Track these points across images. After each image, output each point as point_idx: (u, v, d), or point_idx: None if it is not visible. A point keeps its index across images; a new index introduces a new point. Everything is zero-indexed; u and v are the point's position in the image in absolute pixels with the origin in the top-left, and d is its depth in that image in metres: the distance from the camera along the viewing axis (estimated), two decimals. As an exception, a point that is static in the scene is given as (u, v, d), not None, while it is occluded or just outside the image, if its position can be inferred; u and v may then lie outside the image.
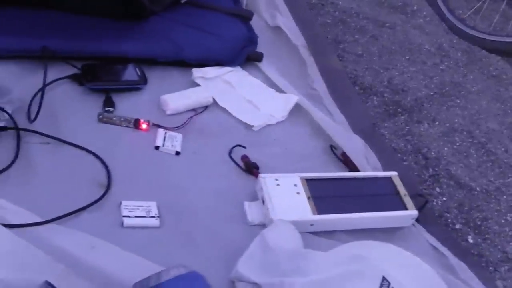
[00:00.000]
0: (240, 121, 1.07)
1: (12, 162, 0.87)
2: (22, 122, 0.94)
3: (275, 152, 1.03)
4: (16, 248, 0.72)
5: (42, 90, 0.98)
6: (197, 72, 1.11)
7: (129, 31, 1.11)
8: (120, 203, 0.85)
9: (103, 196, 0.86)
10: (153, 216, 0.85)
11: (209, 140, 1.02)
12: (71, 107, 0.99)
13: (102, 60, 1.06)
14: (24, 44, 1.02)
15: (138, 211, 0.84)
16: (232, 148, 1.01)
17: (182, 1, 1.22)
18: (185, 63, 1.12)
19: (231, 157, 1.00)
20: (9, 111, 0.94)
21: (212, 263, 0.82)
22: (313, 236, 0.90)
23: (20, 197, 0.82)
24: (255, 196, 0.93)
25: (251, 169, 0.97)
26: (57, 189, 0.86)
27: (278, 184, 0.92)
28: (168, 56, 1.12)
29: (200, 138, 1.02)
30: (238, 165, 0.99)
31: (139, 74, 1.07)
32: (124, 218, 0.83)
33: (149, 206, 0.86)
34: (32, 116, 0.94)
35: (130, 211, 0.84)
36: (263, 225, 0.88)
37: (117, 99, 1.04)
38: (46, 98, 0.98)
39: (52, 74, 1.02)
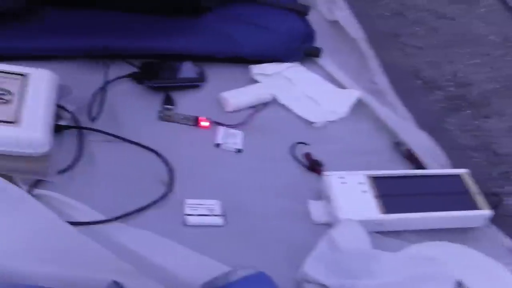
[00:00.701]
0: (301, 118, 1.05)
1: (76, 160, 0.87)
2: (83, 121, 0.93)
3: (338, 149, 1.00)
4: (82, 246, 0.72)
5: (103, 88, 0.98)
6: (256, 69, 1.09)
7: (186, 29, 1.09)
8: (183, 201, 0.84)
9: (166, 194, 0.84)
10: (217, 215, 0.83)
11: (270, 137, 1.00)
12: (131, 106, 0.99)
13: (159, 58, 1.05)
14: (84, 44, 1.01)
15: (201, 209, 0.83)
16: (295, 145, 0.99)
17: (237, -3, 1.21)
18: (243, 60, 1.11)
19: (293, 155, 0.97)
20: (72, 109, 0.94)
21: (277, 263, 0.79)
22: (381, 236, 0.86)
23: (84, 195, 0.81)
24: (318, 195, 0.90)
25: (314, 166, 0.95)
26: (120, 187, 0.85)
27: (343, 182, 0.89)
28: (226, 52, 1.10)
29: (261, 135, 1.00)
30: (301, 162, 0.96)
31: (198, 71, 1.06)
32: (187, 216, 0.82)
33: (212, 205, 0.84)
34: (93, 115, 0.94)
35: (193, 210, 0.83)
36: (328, 225, 0.86)
37: (176, 96, 1.02)
38: (108, 97, 0.98)
39: (111, 73, 1.02)
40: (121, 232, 0.77)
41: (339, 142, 1.02)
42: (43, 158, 0.80)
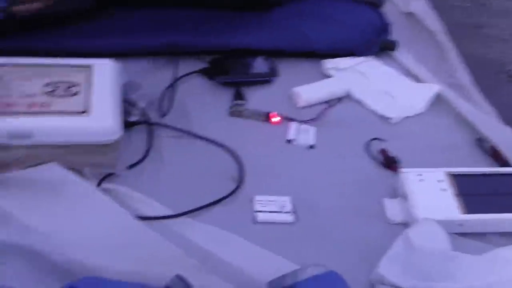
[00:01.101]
0: (376, 113, 1.00)
1: (145, 156, 0.86)
2: (153, 117, 0.93)
3: (415, 145, 0.95)
4: (148, 240, 0.70)
5: (173, 84, 0.97)
6: (329, 63, 1.05)
7: (256, 24, 1.07)
8: (253, 197, 0.81)
9: (235, 190, 0.82)
10: (288, 212, 0.80)
11: (344, 133, 0.96)
12: (201, 101, 0.97)
13: (229, 53, 1.03)
14: (153, 41, 1.01)
15: (271, 206, 0.80)
16: (370, 141, 0.94)
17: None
18: (315, 54, 1.07)
19: (368, 151, 0.93)
20: (143, 105, 0.93)
21: (350, 262, 0.75)
22: (461, 237, 0.80)
23: (152, 190, 0.80)
24: (394, 193, 0.86)
25: (390, 163, 0.90)
26: (189, 182, 0.83)
27: (421, 180, 0.84)
28: (297, 47, 1.07)
29: (335, 131, 0.96)
30: (376, 159, 0.91)
31: (269, 66, 1.03)
32: (257, 213, 0.79)
33: (283, 201, 0.81)
34: (163, 111, 0.93)
35: (263, 206, 0.80)
36: (404, 224, 0.81)
37: (247, 92, 1.00)
38: (178, 93, 0.98)
39: (181, 69, 1.01)
40: (189, 228, 0.76)
41: (417, 138, 0.97)
42: (113, 148, 0.79)
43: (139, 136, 0.89)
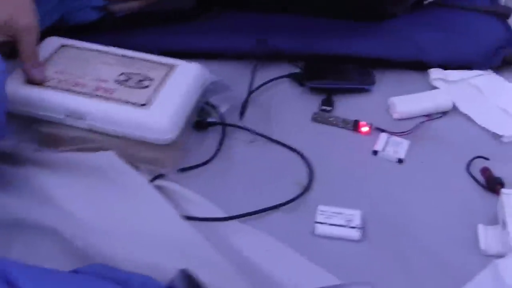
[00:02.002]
0: (486, 131, 0.83)
1: (212, 157, 0.77)
2: (233, 119, 0.84)
3: (531, 169, 0.77)
4: (188, 239, 0.62)
5: (259, 88, 0.89)
6: (435, 73, 0.90)
7: (361, 30, 0.95)
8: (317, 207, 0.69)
9: (298, 197, 0.71)
10: (354, 227, 0.66)
11: (444, 149, 0.81)
12: (286, 106, 0.87)
13: (324, 59, 0.92)
14: (249, 43, 0.93)
15: (336, 218, 0.67)
16: (472, 160, 0.78)
17: (426, 2, 1.03)
18: (425, 66, 0.93)
19: (468, 171, 0.76)
20: (225, 108, 0.85)
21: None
22: None
23: (212, 192, 0.72)
24: (494, 219, 0.69)
25: (493, 185, 0.73)
26: (253, 187, 0.74)
27: (527, 204, 0.66)
28: (404, 56, 0.93)
29: (432, 146, 0.81)
30: (476, 180, 0.75)
31: (366, 74, 0.91)
32: (316, 224, 0.67)
33: (351, 215, 0.68)
34: (245, 113, 0.85)
35: (326, 218, 0.67)
36: (500, 256, 0.63)
37: (340, 100, 0.89)
38: (264, 97, 0.89)
39: (274, 74, 0.92)
40: (236, 232, 0.66)
41: (534, 162, 0.78)
42: (168, 148, 0.72)
43: (215, 138, 0.81)
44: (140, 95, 0.73)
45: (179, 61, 0.80)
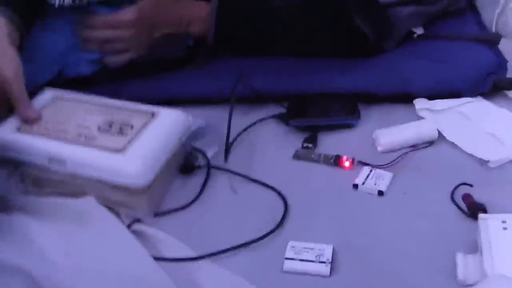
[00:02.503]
0: (472, 158, 0.79)
1: (194, 200, 0.77)
2: (218, 162, 0.83)
3: (519, 194, 0.72)
4: (152, 279, 0.61)
5: (245, 130, 0.88)
6: (421, 103, 0.88)
7: (345, 66, 0.94)
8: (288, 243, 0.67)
9: (269, 233, 0.69)
10: (324, 262, 0.63)
11: (428, 179, 0.77)
12: (270, 146, 0.86)
13: (315, 97, 0.91)
14: (238, 88, 0.93)
15: (306, 254, 0.65)
16: (456, 187, 0.74)
17: (415, 36, 1.01)
18: (412, 97, 0.90)
19: (452, 199, 0.73)
20: (213, 152, 0.85)
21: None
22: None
23: (190, 233, 0.71)
24: (476, 247, 0.64)
25: (475, 211, 0.69)
26: (229, 227, 0.72)
27: (505, 228, 0.62)
28: (390, 89, 0.91)
29: (416, 177, 0.78)
30: (460, 207, 0.71)
31: (351, 109, 0.89)
32: (285, 260, 0.64)
33: (322, 250, 0.65)
34: (228, 156, 0.84)
35: (296, 253, 0.65)
36: (478, 286, 0.59)
37: (325, 136, 0.87)
38: (249, 138, 0.88)
39: (262, 115, 0.91)
40: (205, 271, 0.64)
41: (523, 186, 0.74)
42: (142, 193, 0.72)
43: (200, 181, 0.80)
44: (118, 142, 0.74)
45: (161, 109, 0.81)
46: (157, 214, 0.74)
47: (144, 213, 0.72)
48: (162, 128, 0.78)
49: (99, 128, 0.76)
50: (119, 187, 0.71)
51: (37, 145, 0.74)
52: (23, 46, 0.84)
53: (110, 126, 0.77)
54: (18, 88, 0.76)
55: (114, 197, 0.72)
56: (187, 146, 0.83)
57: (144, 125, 0.77)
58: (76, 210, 0.71)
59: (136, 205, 0.72)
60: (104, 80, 0.96)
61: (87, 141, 0.74)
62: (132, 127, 0.76)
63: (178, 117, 0.80)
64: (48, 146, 0.74)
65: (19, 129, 0.76)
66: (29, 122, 0.77)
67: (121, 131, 0.76)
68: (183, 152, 0.82)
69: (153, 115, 0.79)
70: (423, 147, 0.82)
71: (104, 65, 0.97)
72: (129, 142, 0.74)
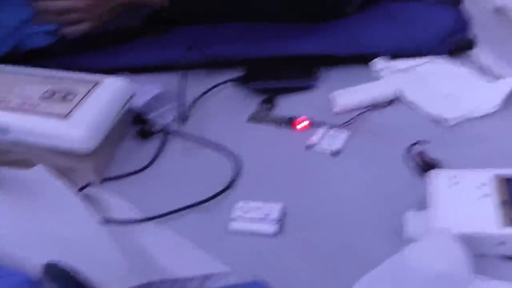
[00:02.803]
0: (430, 118, 0.77)
1: (148, 165, 0.75)
2: (177, 128, 0.81)
3: (473, 152, 0.71)
4: (92, 241, 0.59)
5: (203, 94, 0.86)
6: (378, 64, 0.85)
7: (303, 30, 0.91)
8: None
9: (217, 195, 0.67)
10: (272, 221, 0.62)
11: (384, 139, 0.75)
12: (227, 110, 0.84)
13: (273, 61, 0.89)
14: (195, 54, 0.90)
15: (253, 213, 0.63)
16: (411, 146, 0.72)
17: (376, -2, 0.99)
18: (372, 59, 0.87)
19: (407, 157, 0.71)
20: (170, 118, 0.83)
21: (334, 284, 0.55)
22: (506, 262, 0.55)
23: (142, 197, 0.69)
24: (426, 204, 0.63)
25: (428, 168, 0.67)
26: (181, 190, 0.70)
27: (455, 183, 0.61)
28: (350, 51, 0.88)
29: (372, 137, 0.76)
30: (413, 166, 0.69)
31: (308, 72, 0.86)
32: (231, 221, 0.62)
33: (270, 208, 0.63)
34: (186, 120, 0.82)
35: (244, 213, 0.63)
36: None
37: (283, 99, 0.85)
38: (207, 103, 0.86)
39: (220, 80, 0.89)
40: (148, 233, 0.62)
41: (478, 144, 0.72)
42: (88, 158, 0.70)
43: (155, 145, 0.78)
44: (62, 109, 0.72)
45: (105, 77, 0.79)
46: (111, 178, 0.72)
47: (90, 178, 0.70)
48: (105, 95, 0.76)
49: (42, 97, 0.74)
50: (65, 153, 0.70)
51: None
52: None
53: (53, 94, 0.75)
54: None
55: (60, 163, 0.70)
56: (138, 112, 0.81)
57: (88, 93, 0.75)
58: (24, 178, 0.68)
59: (82, 170, 0.70)
60: (60, 52, 0.94)
61: (30, 108, 0.72)
62: (75, 95, 0.75)
63: (121, 85, 0.79)
64: None
65: None
66: None
67: (64, 99, 0.74)
68: (129, 119, 0.80)
69: (96, 83, 0.77)
70: (380, 107, 0.80)
71: (61, 37, 0.95)
72: (73, 108, 0.72)
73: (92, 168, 0.70)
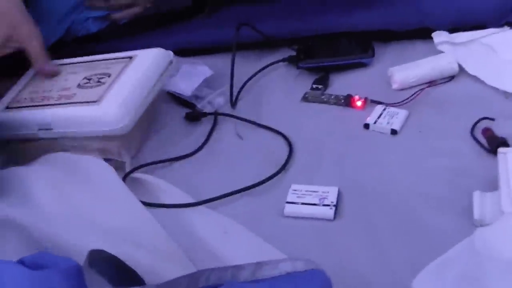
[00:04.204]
0: (495, 91, 0.71)
1: (199, 148, 0.71)
2: (227, 108, 0.78)
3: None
4: (142, 225, 0.56)
5: (254, 75, 0.81)
6: (440, 37, 0.79)
7: (357, 4, 0.85)
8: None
9: (270, 178, 0.63)
10: (328, 205, 0.57)
11: (446, 115, 0.70)
12: (279, 90, 0.80)
13: (327, 38, 0.83)
14: (242, 34, 0.86)
15: (309, 197, 0.59)
16: (476, 122, 0.66)
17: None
18: (432, 32, 0.81)
19: (472, 134, 0.65)
20: (220, 100, 0.79)
21: (397, 268, 0.50)
22: None
23: (195, 181, 0.66)
24: (496, 185, 0.57)
25: (495, 146, 0.61)
26: (234, 173, 0.67)
27: (527, 162, 0.54)
28: (408, 25, 0.82)
29: (434, 113, 0.70)
30: (479, 143, 0.63)
31: (364, 48, 0.81)
32: (286, 204, 0.58)
33: (326, 193, 0.59)
34: (237, 102, 0.78)
35: (298, 197, 0.59)
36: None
37: (337, 77, 0.80)
38: (259, 84, 0.82)
39: (272, 60, 0.84)
40: (199, 216, 0.59)
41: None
42: (122, 137, 0.67)
43: (206, 128, 0.75)
44: (94, 93, 0.69)
45: (139, 51, 0.75)
46: (161, 161, 0.70)
47: (122, 158, 0.68)
48: (139, 68, 0.72)
49: (78, 85, 0.72)
50: (103, 137, 0.67)
51: (26, 117, 0.70)
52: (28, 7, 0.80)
53: (89, 80, 0.72)
54: (36, 45, 0.75)
55: (100, 147, 0.68)
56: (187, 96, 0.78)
57: (121, 71, 0.72)
58: (71, 162, 0.67)
59: (115, 150, 0.68)
60: (111, 37, 0.92)
61: (67, 100, 0.70)
62: (109, 75, 0.72)
63: (155, 54, 0.74)
64: (35, 116, 0.70)
65: (7, 107, 0.73)
66: (48, 75, 0.75)
67: (99, 82, 0.71)
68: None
69: (130, 59, 0.74)
70: (442, 83, 0.74)
71: (111, 21, 0.93)
72: (106, 90, 0.69)
73: (135, 142, 0.68)
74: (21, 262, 0.44)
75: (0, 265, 0.40)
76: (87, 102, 0.68)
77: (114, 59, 0.74)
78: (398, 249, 0.53)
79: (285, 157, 0.67)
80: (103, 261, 0.43)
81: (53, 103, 0.70)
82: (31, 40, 0.75)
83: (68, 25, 0.90)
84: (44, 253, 0.47)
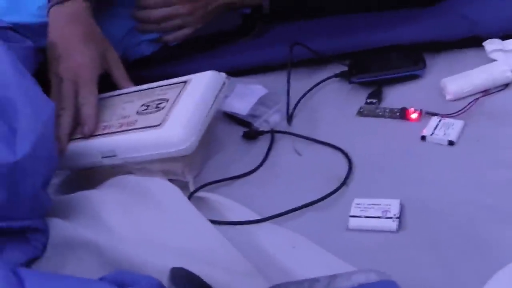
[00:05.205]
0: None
1: (259, 166, 0.75)
2: (283, 126, 0.81)
3: None
4: (214, 244, 0.60)
5: (307, 92, 0.85)
6: (492, 45, 0.80)
7: (405, 17, 0.88)
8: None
9: (333, 192, 0.66)
10: (390, 217, 0.60)
11: (503, 125, 0.71)
12: (333, 106, 0.83)
13: (370, 52, 0.86)
14: (294, 52, 0.89)
15: (372, 210, 0.61)
16: (535, 131, 0.67)
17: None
18: (482, 40, 0.83)
19: (531, 143, 0.66)
20: (276, 117, 0.83)
21: (464, 280, 0.52)
22: None
23: (255, 198, 0.69)
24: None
25: (557, 155, 0.62)
26: (294, 189, 0.70)
27: None
28: (457, 34, 0.84)
29: (490, 123, 0.72)
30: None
31: (415, 59, 0.83)
32: (350, 218, 0.61)
33: (388, 205, 0.61)
34: (292, 119, 0.81)
35: (361, 211, 0.62)
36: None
37: (390, 90, 0.82)
38: (312, 100, 0.85)
39: (323, 76, 0.88)
40: (266, 232, 0.62)
41: None
42: (186, 158, 0.71)
43: (263, 146, 0.79)
44: (156, 118, 0.73)
45: (192, 76, 0.79)
46: (222, 180, 0.73)
47: (186, 178, 0.72)
48: (195, 91, 0.75)
49: (137, 112, 0.76)
50: (167, 159, 0.71)
51: (89, 146, 0.74)
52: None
53: (148, 106, 0.76)
54: (121, 69, 0.82)
55: (163, 168, 0.72)
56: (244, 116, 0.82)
57: (178, 95, 0.75)
58: (138, 185, 0.71)
59: (179, 171, 0.72)
60: (164, 59, 0.97)
61: (129, 127, 0.74)
62: (167, 100, 0.75)
63: (209, 77, 0.77)
64: (98, 145, 0.74)
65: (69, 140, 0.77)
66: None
67: (158, 108, 0.75)
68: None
69: (184, 83, 0.77)
70: (496, 91, 0.76)
71: (164, 44, 0.97)
72: (167, 114, 0.72)
73: (188, 167, 0.72)
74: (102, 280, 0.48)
75: (95, 285, 0.44)
76: (150, 126, 0.71)
77: (169, 85, 0.78)
78: (464, 262, 0.55)
79: (343, 171, 0.70)
80: (184, 279, 0.47)
81: (114, 131, 0.74)
82: (118, 65, 0.82)
83: (123, 50, 0.96)
84: (123, 272, 0.52)
